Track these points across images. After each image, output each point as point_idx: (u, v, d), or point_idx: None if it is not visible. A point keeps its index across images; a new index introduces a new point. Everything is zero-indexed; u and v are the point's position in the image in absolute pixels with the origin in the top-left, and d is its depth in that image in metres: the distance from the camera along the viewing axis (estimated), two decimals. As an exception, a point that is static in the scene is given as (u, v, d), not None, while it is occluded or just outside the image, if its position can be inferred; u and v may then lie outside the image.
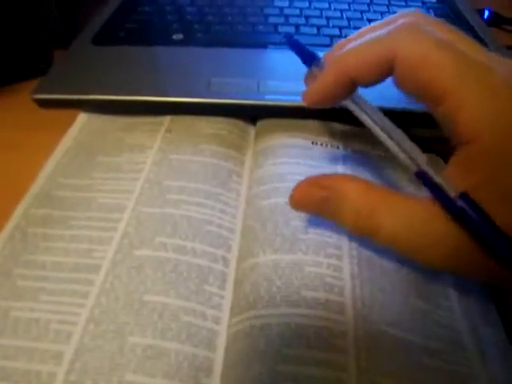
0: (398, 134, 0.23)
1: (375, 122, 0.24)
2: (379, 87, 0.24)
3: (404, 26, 0.23)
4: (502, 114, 0.20)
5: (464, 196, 0.20)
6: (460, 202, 0.20)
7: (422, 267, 0.24)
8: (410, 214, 0.22)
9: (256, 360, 0.21)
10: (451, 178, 0.21)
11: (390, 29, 0.23)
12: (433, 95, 0.21)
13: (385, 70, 0.23)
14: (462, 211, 0.20)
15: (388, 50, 0.22)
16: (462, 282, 0.26)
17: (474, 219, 0.19)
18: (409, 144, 0.23)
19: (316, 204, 0.24)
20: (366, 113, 0.24)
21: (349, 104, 0.25)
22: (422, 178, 0.22)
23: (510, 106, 0.20)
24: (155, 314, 0.23)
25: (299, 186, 0.24)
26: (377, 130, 0.24)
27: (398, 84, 0.23)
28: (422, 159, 0.22)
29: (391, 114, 0.30)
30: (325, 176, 0.25)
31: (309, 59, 0.26)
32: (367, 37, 0.24)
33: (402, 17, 0.24)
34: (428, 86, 0.21)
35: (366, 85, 0.24)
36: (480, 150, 0.20)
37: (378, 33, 0.23)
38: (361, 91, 0.25)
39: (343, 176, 0.24)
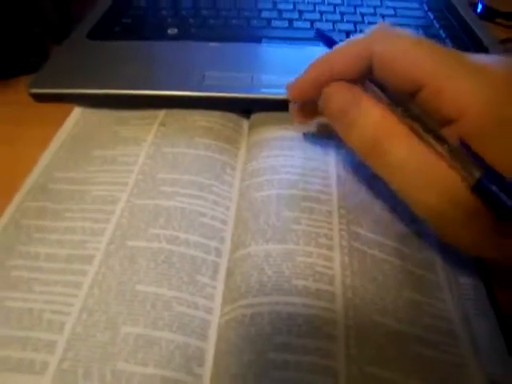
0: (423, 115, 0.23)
1: None
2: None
3: (379, 28, 0.25)
4: (481, 91, 0.20)
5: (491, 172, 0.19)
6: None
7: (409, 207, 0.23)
8: (421, 154, 0.22)
9: (247, 348, 0.21)
10: None
11: (366, 32, 0.25)
12: (411, 84, 0.22)
13: (364, 67, 0.24)
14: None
15: (365, 48, 0.24)
16: (454, 274, 0.26)
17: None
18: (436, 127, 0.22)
19: (341, 104, 0.25)
20: None
21: None
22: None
23: (487, 82, 0.20)
24: (148, 304, 0.23)
25: (332, 85, 0.25)
26: None
27: (377, 78, 0.24)
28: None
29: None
30: (354, 85, 0.25)
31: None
32: (349, 40, 0.25)
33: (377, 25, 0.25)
34: (405, 76, 0.22)
35: (349, 80, 0.25)
36: (469, 124, 0.20)
37: (357, 36, 0.25)
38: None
39: (370, 97, 0.24)
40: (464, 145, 0.21)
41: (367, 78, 0.25)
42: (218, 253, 0.27)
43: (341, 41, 0.27)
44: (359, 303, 0.23)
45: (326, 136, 0.33)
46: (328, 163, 0.30)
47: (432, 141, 0.22)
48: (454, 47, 0.40)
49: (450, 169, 0.21)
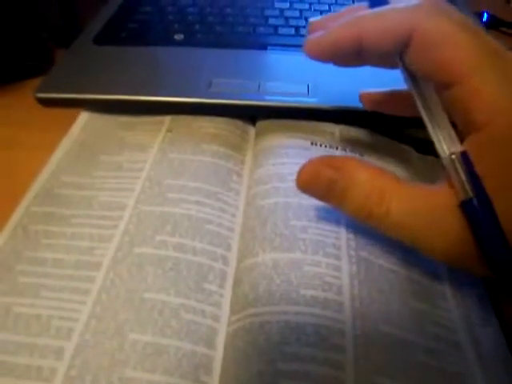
0: (443, 115, 0.22)
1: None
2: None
3: (427, 3, 0.22)
4: None
5: (481, 195, 0.19)
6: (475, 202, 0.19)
7: (424, 255, 0.23)
8: (418, 200, 0.21)
9: (255, 357, 0.21)
10: None
11: (413, 3, 0.22)
12: (447, 76, 0.21)
13: (399, 43, 0.22)
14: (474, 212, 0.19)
15: (408, 21, 0.21)
16: (459, 283, 0.26)
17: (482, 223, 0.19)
18: (449, 127, 0.22)
19: (323, 185, 0.23)
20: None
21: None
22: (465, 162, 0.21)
23: None
24: (155, 312, 0.23)
25: (307, 164, 0.24)
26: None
27: (410, 60, 0.22)
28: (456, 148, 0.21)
29: (388, 116, 0.30)
30: (335, 157, 0.24)
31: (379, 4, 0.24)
32: (388, 6, 0.23)
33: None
34: (444, 66, 0.21)
35: (373, 54, 0.24)
36: (491, 137, 0.20)
37: (399, 4, 0.22)
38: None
39: (353, 158, 0.24)
40: (465, 158, 0.20)
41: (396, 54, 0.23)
42: (225, 260, 0.27)
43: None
44: (366, 313, 0.23)
45: (332, 144, 0.33)
46: (354, 156, 0.30)
47: (436, 141, 0.21)
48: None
49: (452, 211, 0.20)
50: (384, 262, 0.25)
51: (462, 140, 0.21)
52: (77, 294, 0.24)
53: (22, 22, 0.43)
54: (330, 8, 0.46)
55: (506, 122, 0.19)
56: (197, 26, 0.43)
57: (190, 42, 0.41)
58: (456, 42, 0.20)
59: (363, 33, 0.22)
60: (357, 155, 0.32)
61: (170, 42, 0.41)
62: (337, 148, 0.33)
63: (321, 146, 0.33)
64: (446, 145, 0.21)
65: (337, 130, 0.34)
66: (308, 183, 0.24)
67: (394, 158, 0.32)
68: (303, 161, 0.31)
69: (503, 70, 0.20)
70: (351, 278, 0.24)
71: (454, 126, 0.22)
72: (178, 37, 0.42)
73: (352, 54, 0.24)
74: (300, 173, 0.24)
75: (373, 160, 0.32)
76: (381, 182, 0.22)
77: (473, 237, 0.20)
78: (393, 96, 0.29)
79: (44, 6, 0.46)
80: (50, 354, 0.22)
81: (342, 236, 0.26)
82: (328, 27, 0.24)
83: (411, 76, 0.23)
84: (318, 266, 0.25)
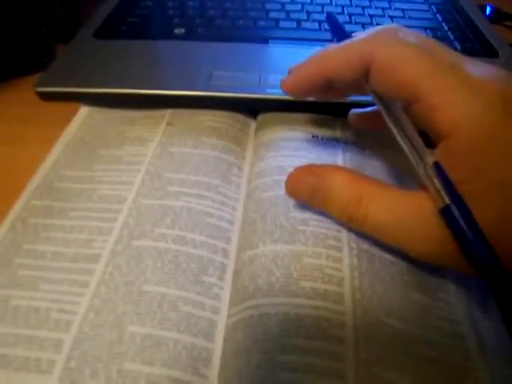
0: (411, 129, 0.23)
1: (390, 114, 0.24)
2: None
3: (382, 31, 0.24)
4: (475, 108, 0.20)
5: (457, 201, 0.20)
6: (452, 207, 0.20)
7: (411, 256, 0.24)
8: (396, 204, 0.22)
9: (255, 349, 0.21)
10: None
11: (369, 33, 0.24)
12: (408, 95, 0.22)
13: (360, 72, 0.24)
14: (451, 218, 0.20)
15: (365, 51, 0.23)
16: (461, 276, 0.26)
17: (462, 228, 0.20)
18: (419, 141, 0.23)
19: (306, 191, 0.25)
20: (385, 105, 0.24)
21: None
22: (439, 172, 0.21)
23: (482, 100, 0.20)
24: (154, 304, 0.23)
25: (293, 171, 0.26)
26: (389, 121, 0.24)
27: (373, 84, 0.24)
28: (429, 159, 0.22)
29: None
30: (314, 164, 0.26)
31: (343, 38, 0.26)
32: (348, 40, 0.25)
33: (382, 27, 0.25)
34: (403, 86, 0.22)
35: (340, 84, 0.25)
36: (458, 145, 0.21)
37: (358, 36, 0.25)
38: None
39: (333, 166, 0.25)
40: (438, 168, 0.21)
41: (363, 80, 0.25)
42: (225, 253, 0.27)
43: (352, 33, 0.26)
44: (367, 305, 0.23)
45: (333, 137, 0.33)
46: (335, 165, 0.30)
47: (410, 155, 0.23)
48: (462, 50, 0.40)
49: (431, 215, 0.21)
50: (385, 254, 0.25)
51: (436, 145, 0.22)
52: (76, 287, 0.24)
53: (24, 18, 0.43)
54: (331, 1, 0.46)
55: (468, 130, 0.20)
56: (197, 20, 0.43)
57: (191, 35, 0.41)
58: (410, 64, 0.22)
59: (327, 67, 0.25)
60: (358, 148, 0.32)
61: (170, 35, 0.41)
62: (338, 141, 0.32)
63: (321, 139, 0.32)
64: (419, 157, 0.22)
65: (338, 123, 0.34)
66: (293, 189, 0.26)
67: (395, 150, 0.32)
68: (304, 154, 0.31)
69: (460, 81, 0.21)
70: (352, 269, 0.24)
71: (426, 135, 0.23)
72: (179, 31, 0.41)
73: (324, 87, 0.26)
74: (287, 179, 0.26)
75: (374, 152, 0.32)
76: (359, 187, 0.24)
77: (454, 240, 0.20)
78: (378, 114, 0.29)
79: (45, 1, 0.46)
80: (49, 346, 0.22)
81: (342, 228, 0.26)
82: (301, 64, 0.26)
83: (379, 97, 0.24)
84: (319, 257, 0.24)
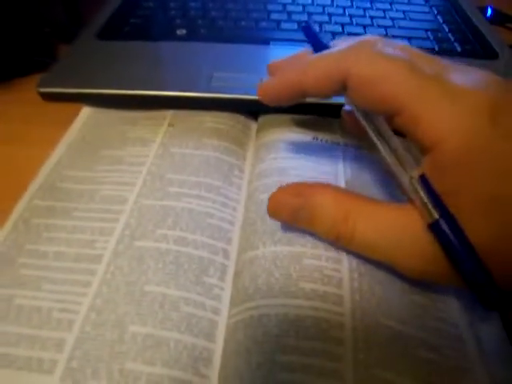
0: (395, 141, 0.23)
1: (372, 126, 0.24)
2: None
3: (361, 43, 0.23)
4: (459, 118, 0.20)
5: (446, 216, 0.20)
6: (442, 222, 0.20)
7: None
8: (385, 221, 0.22)
9: (255, 350, 0.22)
10: None
11: (348, 45, 0.23)
12: (388, 110, 0.22)
13: (336, 87, 0.23)
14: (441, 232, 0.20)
15: (342, 65, 0.22)
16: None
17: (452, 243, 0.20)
18: (403, 153, 0.23)
19: (288, 213, 0.25)
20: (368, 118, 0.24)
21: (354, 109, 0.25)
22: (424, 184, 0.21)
23: (467, 109, 0.20)
24: (156, 304, 0.24)
25: (273, 194, 0.25)
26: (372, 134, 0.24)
27: (351, 100, 0.24)
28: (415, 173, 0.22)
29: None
30: (298, 184, 0.25)
31: (320, 50, 0.26)
32: (325, 52, 0.24)
33: (361, 38, 0.24)
34: (383, 101, 0.22)
35: (319, 96, 0.25)
36: (444, 156, 0.20)
37: (335, 48, 0.24)
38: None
39: (315, 183, 0.24)
40: (424, 182, 0.21)
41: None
42: (226, 254, 0.27)
43: (331, 42, 0.26)
44: (366, 306, 0.23)
45: (333, 140, 0.33)
46: (336, 167, 0.30)
47: (395, 168, 0.22)
48: (463, 51, 0.40)
49: (421, 231, 0.21)
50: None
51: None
52: (78, 287, 0.24)
53: (26, 18, 0.43)
54: (332, 3, 0.46)
55: (454, 140, 0.20)
56: (199, 21, 0.43)
57: (193, 37, 0.41)
58: (389, 79, 0.21)
59: (303, 80, 0.24)
60: (358, 150, 0.32)
61: (172, 37, 0.41)
62: (338, 143, 0.32)
63: (322, 141, 0.33)
64: (404, 170, 0.22)
65: (338, 125, 0.34)
66: (274, 212, 0.25)
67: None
68: (304, 156, 0.31)
69: (443, 91, 0.20)
70: (351, 271, 0.24)
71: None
72: (181, 32, 0.42)
73: (299, 99, 0.25)
74: (268, 201, 0.25)
75: (375, 155, 0.32)
76: (345, 203, 0.23)
77: (445, 255, 0.20)
78: None
79: (48, 1, 0.46)
80: (51, 345, 0.22)
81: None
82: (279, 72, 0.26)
83: (361, 111, 0.24)
84: (318, 259, 0.25)
